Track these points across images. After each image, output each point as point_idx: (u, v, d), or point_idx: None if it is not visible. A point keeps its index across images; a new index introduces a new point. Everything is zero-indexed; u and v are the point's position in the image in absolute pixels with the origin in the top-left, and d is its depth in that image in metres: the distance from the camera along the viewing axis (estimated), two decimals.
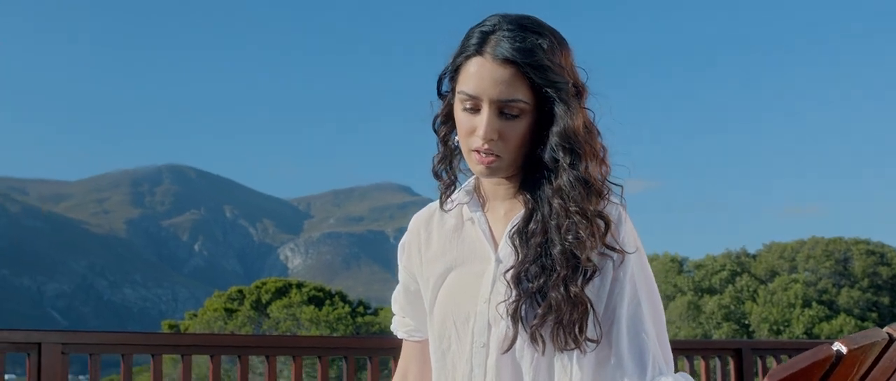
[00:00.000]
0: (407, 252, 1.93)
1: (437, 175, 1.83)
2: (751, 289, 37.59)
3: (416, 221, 1.93)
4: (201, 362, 13.74)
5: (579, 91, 1.69)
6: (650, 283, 1.74)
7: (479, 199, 1.82)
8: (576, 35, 1.74)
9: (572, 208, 1.65)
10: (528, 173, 1.73)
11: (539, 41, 1.65)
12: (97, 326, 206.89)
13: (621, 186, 1.74)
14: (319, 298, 34.06)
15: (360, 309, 35.88)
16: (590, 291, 1.65)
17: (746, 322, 36.36)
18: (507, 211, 1.78)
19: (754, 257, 42.02)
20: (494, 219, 1.80)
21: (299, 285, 34.95)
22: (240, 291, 34.37)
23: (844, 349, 1.22)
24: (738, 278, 38.27)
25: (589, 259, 1.64)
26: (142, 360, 4.29)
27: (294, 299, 33.41)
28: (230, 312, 32.47)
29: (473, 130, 1.69)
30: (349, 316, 33.61)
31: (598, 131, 1.72)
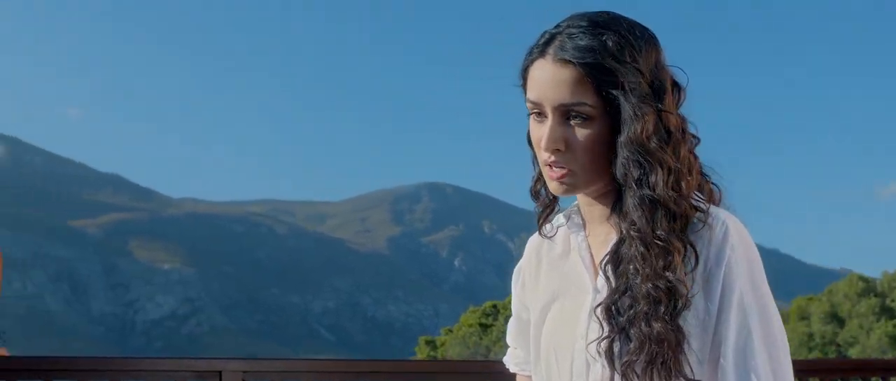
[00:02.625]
0: (520, 279, 1.78)
1: (534, 196, 1.68)
2: None
3: (530, 246, 1.77)
4: None
5: (659, 93, 1.49)
6: (766, 308, 1.50)
7: (580, 221, 1.65)
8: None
9: (633, 233, 1.48)
10: (621, 190, 1.53)
11: (604, 38, 1.48)
12: (363, 342, 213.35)
13: (720, 191, 1.58)
14: None
15: None
16: (688, 323, 1.46)
17: None
18: (607, 234, 1.59)
19: None
20: (596, 244, 1.62)
21: None
22: (494, 306, 33.91)
23: None
24: None
25: (670, 289, 1.44)
26: None
27: None
28: (485, 327, 32.10)
29: (541, 140, 1.53)
30: None
31: (688, 139, 1.53)
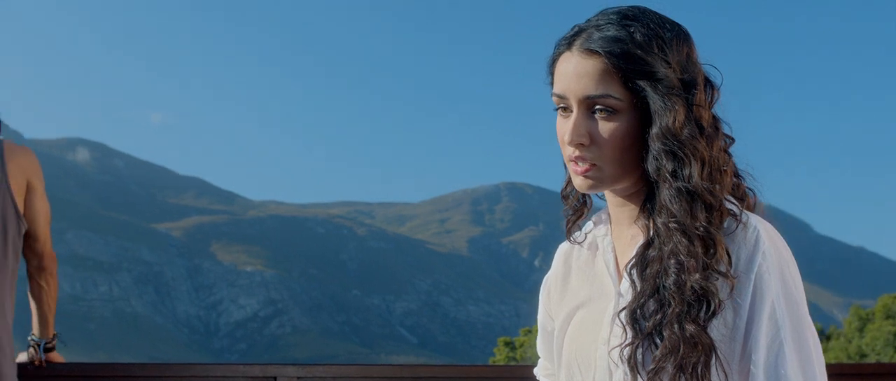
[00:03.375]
0: (546, 288, 1.72)
1: (564, 199, 1.62)
2: None
3: (559, 253, 1.70)
4: None
5: (689, 87, 1.44)
6: (800, 320, 1.41)
7: (608, 224, 1.59)
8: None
9: (672, 226, 1.39)
10: (650, 189, 1.47)
11: (632, 29, 1.43)
12: (444, 342, 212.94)
13: (755, 195, 1.51)
14: None
15: None
16: (717, 329, 1.38)
17: None
18: (634, 236, 1.52)
19: None
20: (622, 247, 1.55)
21: None
22: None
23: None
24: None
25: (705, 290, 1.36)
26: None
27: None
28: None
29: (565, 135, 1.47)
30: None
31: (721, 137, 1.47)
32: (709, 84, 1.48)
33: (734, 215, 1.42)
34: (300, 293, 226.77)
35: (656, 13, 1.48)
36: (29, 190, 3.21)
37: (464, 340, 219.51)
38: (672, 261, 1.38)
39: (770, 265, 1.39)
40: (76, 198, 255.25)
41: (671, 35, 1.45)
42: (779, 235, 1.44)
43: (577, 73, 1.43)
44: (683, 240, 1.37)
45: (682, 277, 1.36)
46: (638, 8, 1.48)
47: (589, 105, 1.43)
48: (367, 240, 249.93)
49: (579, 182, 1.47)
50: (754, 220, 1.43)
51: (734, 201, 1.46)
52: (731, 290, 1.37)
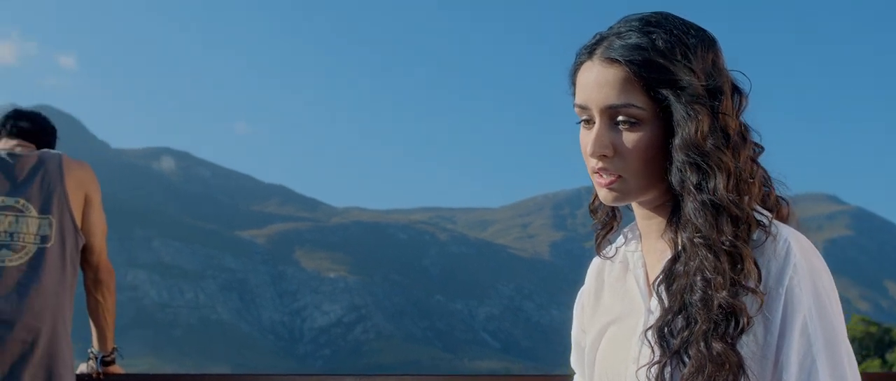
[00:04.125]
0: (580, 304, 1.66)
1: (592, 213, 1.57)
2: None
3: (591, 269, 1.65)
4: None
5: (714, 95, 1.37)
6: (834, 335, 1.33)
7: (638, 238, 1.53)
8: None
9: (697, 241, 1.33)
10: (677, 200, 1.40)
11: (654, 36, 1.37)
12: (527, 347, 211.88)
13: (789, 205, 1.44)
14: None
15: None
16: (747, 346, 1.32)
17: None
18: (662, 251, 1.46)
19: None
20: (652, 262, 1.49)
21: None
22: None
23: None
24: None
25: (732, 306, 1.30)
26: None
27: None
28: None
29: (587, 146, 1.42)
30: None
31: (749, 146, 1.40)
32: (737, 91, 1.42)
33: (763, 227, 1.36)
34: (383, 299, 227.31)
35: (681, 19, 1.41)
36: (87, 203, 3.26)
37: (547, 345, 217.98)
38: (698, 277, 1.32)
39: (801, 279, 1.33)
40: (162, 207, 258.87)
41: (695, 41, 1.39)
42: (812, 246, 1.37)
43: (598, 82, 1.38)
44: (709, 255, 1.32)
45: (709, 293, 1.30)
46: (661, 14, 1.42)
47: (611, 115, 1.38)
48: (449, 245, 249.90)
49: (604, 194, 1.42)
50: (785, 231, 1.37)
51: (764, 212, 1.39)
52: (761, 306, 1.32)
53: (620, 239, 1.57)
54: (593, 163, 1.41)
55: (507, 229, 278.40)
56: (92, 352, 3.44)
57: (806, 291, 1.32)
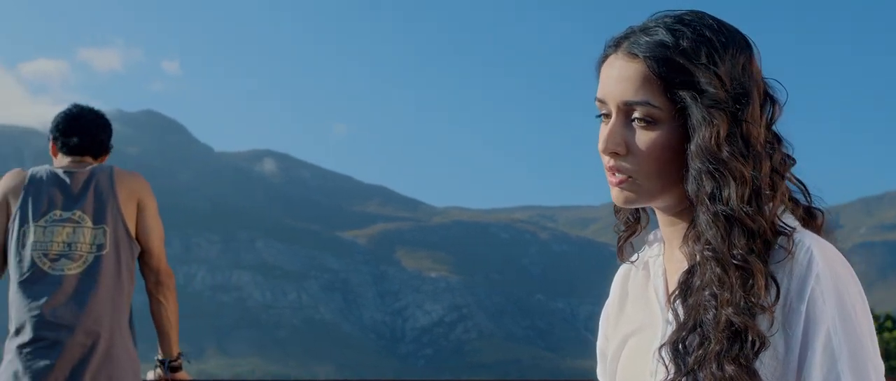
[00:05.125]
0: (605, 314, 1.58)
1: (616, 214, 1.49)
2: None
3: (617, 277, 1.56)
4: None
5: (740, 100, 1.29)
6: (861, 350, 1.24)
7: (661, 245, 1.45)
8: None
9: (707, 254, 1.27)
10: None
11: (679, 35, 1.30)
12: None
13: (822, 213, 1.35)
14: None
15: (888, 324, 31.82)
16: (767, 364, 1.24)
17: None
18: (682, 261, 1.37)
19: None
20: (673, 271, 1.40)
21: None
22: None
23: None
24: None
25: (743, 325, 1.21)
26: None
27: None
28: None
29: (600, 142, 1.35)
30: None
31: (778, 157, 1.32)
32: (769, 99, 1.34)
33: (786, 237, 1.28)
34: (484, 298, 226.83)
35: (715, 19, 1.34)
36: (140, 210, 3.42)
37: None
38: (707, 292, 1.26)
39: (825, 290, 1.24)
40: (264, 208, 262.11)
41: (726, 43, 1.31)
42: (839, 255, 1.29)
43: (618, 76, 1.32)
44: (718, 270, 1.25)
45: (719, 311, 1.23)
46: (697, 13, 1.35)
47: (627, 112, 1.32)
48: (550, 244, 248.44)
49: (615, 194, 1.35)
50: (809, 240, 1.28)
51: (787, 222, 1.31)
52: (771, 324, 1.24)
53: (646, 245, 1.49)
54: (606, 160, 1.34)
55: (608, 227, 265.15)
56: (158, 359, 3.53)
57: (829, 302, 1.23)
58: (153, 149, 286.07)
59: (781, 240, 1.27)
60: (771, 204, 1.29)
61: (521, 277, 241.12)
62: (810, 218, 1.35)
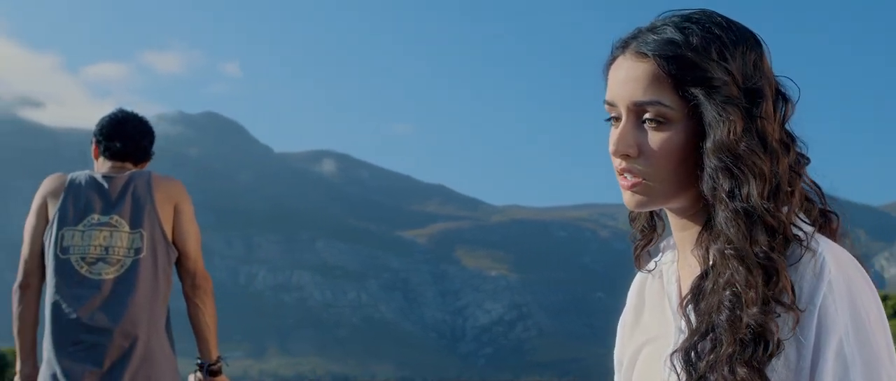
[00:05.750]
0: (621, 323, 1.51)
1: (631, 222, 1.44)
2: None
3: (633, 286, 1.50)
4: None
5: (752, 98, 1.24)
6: (875, 359, 1.19)
7: (675, 251, 1.39)
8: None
9: (729, 252, 1.20)
10: (710, 211, 1.27)
11: (689, 32, 1.26)
12: None
13: (837, 216, 1.28)
14: None
15: None
16: (778, 371, 1.19)
17: None
18: (694, 266, 1.32)
19: None
20: (687, 277, 1.34)
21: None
22: None
23: None
24: None
25: (762, 327, 1.16)
26: None
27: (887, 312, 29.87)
28: None
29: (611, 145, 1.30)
30: None
31: (792, 155, 1.27)
32: (781, 97, 1.29)
33: (799, 240, 1.22)
34: (544, 297, 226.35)
35: (723, 16, 1.31)
36: (177, 213, 3.48)
37: None
38: (728, 292, 1.19)
39: (837, 297, 1.19)
40: (324, 208, 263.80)
41: (736, 40, 1.27)
42: (854, 261, 1.24)
43: (627, 77, 1.27)
44: (741, 268, 1.19)
45: (737, 312, 1.18)
46: (704, 10, 1.31)
47: (638, 113, 1.26)
48: (611, 242, 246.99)
49: (627, 198, 1.29)
50: (822, 245, 1.22)
51: (803, 225, 1.25)
52: (795, 325, 1.18)
53: (660, 251, 1.44)
54: (617, 163, 1.29)
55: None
56: (197, 362, 3.55)
57: (842, 310, 1.19)
58: (213, 150, 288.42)
59: (795, 243, 1.22)
60: (789, 204, 1.24)
61: (580, 275, 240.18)
62: (825, 221, 1.30)
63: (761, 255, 1.18)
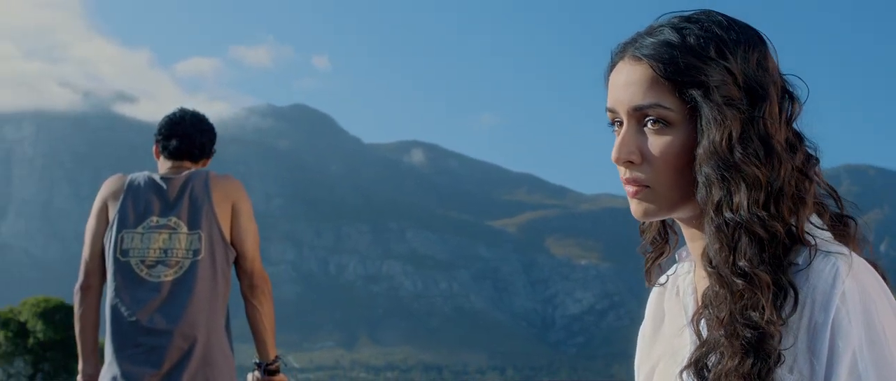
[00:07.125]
0: (641, 335, 1.48)
1: (642, 233, 1.39)
2: None
3: (651, 298, 1.46)
4: None
5: (754, 97, 1.18)
6: (891, 375, 1.12)
7: (691, 262, 1.35)
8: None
9: (709, 270, 1.17)
10: None
11: (686, 33, 1.21)
12: None
13: (854, 221, 1.21)
14: None
15: None
16: None
17: None
18: (705, 278, 1.27)
19: None
20: (703, 288, 1.28)
21: None
22: None
23: None
24: None
25: (757, 339, 1.12)
26: None
27: None
28: None
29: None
30: None
31: (800, 157, 1.19)
32: (788, 96, 1.23)
33: (810, 247, 1.15)
34: (636, 285, 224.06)
35: (724, 15, 1.26)
36: (235, 213, 3.47)
37: None
38: (713, 309, 1.18)
39: (851, 308, 1.12)
40: (413, 198, 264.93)
41: (737, 39, 1.21)
42: (869, 269, 1.17)
43: (626, 81, 1.23)
44: (716, 287, 1.17)
45: (733, 326, 1.14)
46: (705, 11, 1.26)
47: (639, 118, 1.22)
48: None
49: (634, 208, 1.24)
50: (835, 252, 1.15)
51: (816, 231, 1.18)
52: (790, 338, 1.14)
53: (676, 263, 1.40)
54: (622, 172, 1.24)
55: None
56: (255, 362, 3.55)
57: (856, 322, 1.12)
58: (303, 143, 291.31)
59: (805, 250, 1.16)
60: (799, 209, 1.17)
61: (673, 262, 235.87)
62: (841, 226, 1.23)
63: (743, 270, 1.14)
